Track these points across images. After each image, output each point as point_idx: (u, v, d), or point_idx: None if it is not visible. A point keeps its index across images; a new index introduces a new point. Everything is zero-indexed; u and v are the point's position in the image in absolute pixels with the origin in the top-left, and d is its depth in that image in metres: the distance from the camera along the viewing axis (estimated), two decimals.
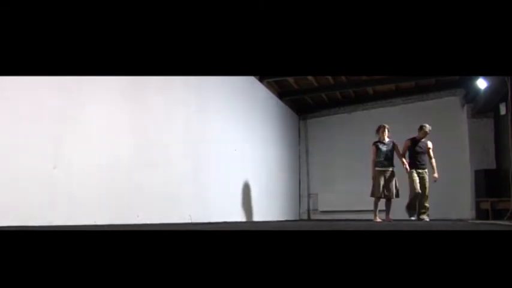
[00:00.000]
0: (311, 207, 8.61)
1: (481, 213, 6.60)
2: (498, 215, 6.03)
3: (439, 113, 7.68)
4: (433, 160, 5.77)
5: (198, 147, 4.60)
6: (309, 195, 8.64)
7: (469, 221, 5.50)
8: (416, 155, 5.73)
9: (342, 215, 8.09)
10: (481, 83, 6.26)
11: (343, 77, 7.28)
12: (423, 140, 5.77)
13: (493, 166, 6.94)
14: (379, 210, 5.65)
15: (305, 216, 8.59)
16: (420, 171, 5.69)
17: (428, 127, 5.74)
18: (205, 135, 4.77)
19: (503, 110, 6.40)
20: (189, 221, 4.25)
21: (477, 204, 6.80)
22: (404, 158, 5.74)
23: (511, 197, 5.46)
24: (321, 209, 8.45)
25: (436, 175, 5.70)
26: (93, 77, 3.02)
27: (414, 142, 5.78)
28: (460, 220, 6.20)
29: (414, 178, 5.61)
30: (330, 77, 7.21)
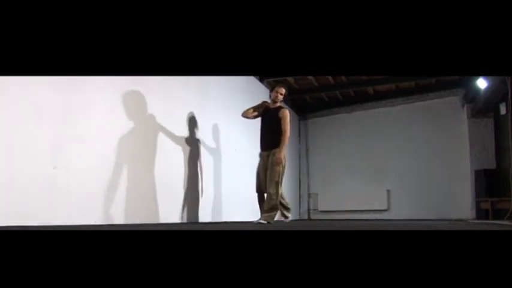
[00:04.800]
0: (311, 207, 8.62)
1: (481, 213, 6.60)
2: (498, 215, 6.03)
3: (439, 113, 7.70)
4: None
5: (198, 147, 4.60)
6: (309, 195, 8.65)
7: (469, 221, 5.50)
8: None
9: (341, 215, 8.10)
10: (481, 83, 6.26)
11: (343, 77, 7.28)
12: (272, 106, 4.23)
13: (493, 166, 6.94)
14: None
15: (305, 216, 8.60)
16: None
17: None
18: (205, 135, 4.77)
19: (503, 110, 6.41)
20: (189, 221, 4.26)
21: (477, 204, 6.80)
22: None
23: (511, 197, 5.46)
24: (321, 209, 8.46)
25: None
26: (93, 77, 3.02)
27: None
28: (460, 220, 6.21)
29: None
30: (330, 77, 7.21)
